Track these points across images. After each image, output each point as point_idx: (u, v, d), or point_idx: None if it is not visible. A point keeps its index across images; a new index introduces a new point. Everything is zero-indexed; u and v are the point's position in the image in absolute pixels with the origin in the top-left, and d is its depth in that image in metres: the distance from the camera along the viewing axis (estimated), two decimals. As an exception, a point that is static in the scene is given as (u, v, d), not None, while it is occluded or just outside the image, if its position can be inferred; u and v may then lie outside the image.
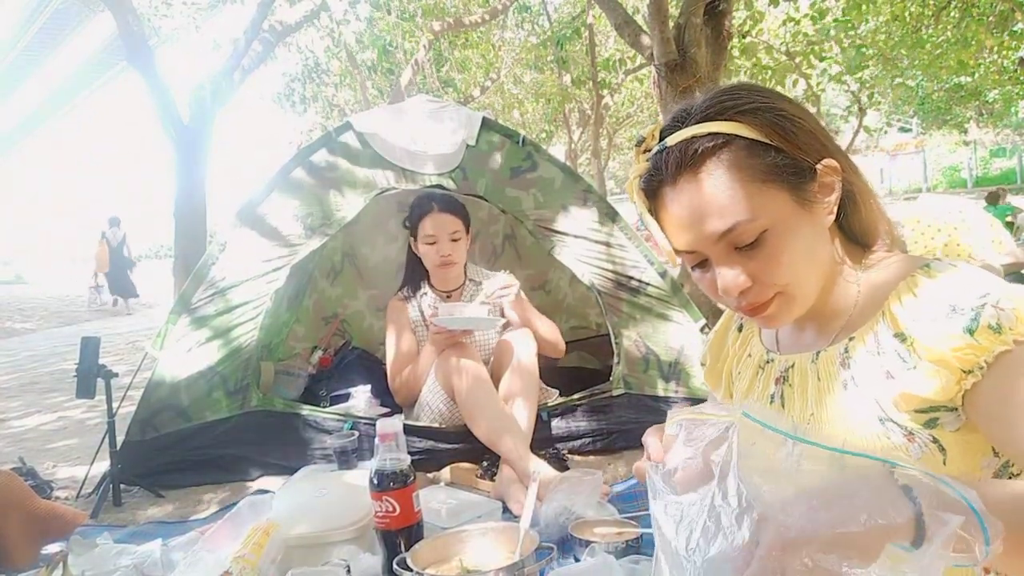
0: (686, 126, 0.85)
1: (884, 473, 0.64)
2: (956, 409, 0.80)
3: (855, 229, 0.91)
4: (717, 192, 0.82)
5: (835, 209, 0.86)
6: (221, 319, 2.58)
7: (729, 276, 0.84)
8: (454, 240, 2.57)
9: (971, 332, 0.76)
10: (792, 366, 0.94)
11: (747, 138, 0.82)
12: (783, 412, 0.94)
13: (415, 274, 2.70)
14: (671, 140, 0.84)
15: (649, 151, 0.87)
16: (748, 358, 1.04)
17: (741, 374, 1.05)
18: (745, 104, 0.84)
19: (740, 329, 1.09)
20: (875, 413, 0.83)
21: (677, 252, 0.87)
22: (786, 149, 0.82)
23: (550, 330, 2.62)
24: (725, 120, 0.83)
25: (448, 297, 2.67)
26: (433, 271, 2.64)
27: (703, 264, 0.87)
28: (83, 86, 18.11)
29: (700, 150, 0.82)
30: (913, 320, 0.81)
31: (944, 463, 0.80)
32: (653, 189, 0.86)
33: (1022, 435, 0.75)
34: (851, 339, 0.88)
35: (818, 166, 0.84)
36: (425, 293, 2.67)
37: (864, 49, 7.95)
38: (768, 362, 0.99)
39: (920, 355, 0.80)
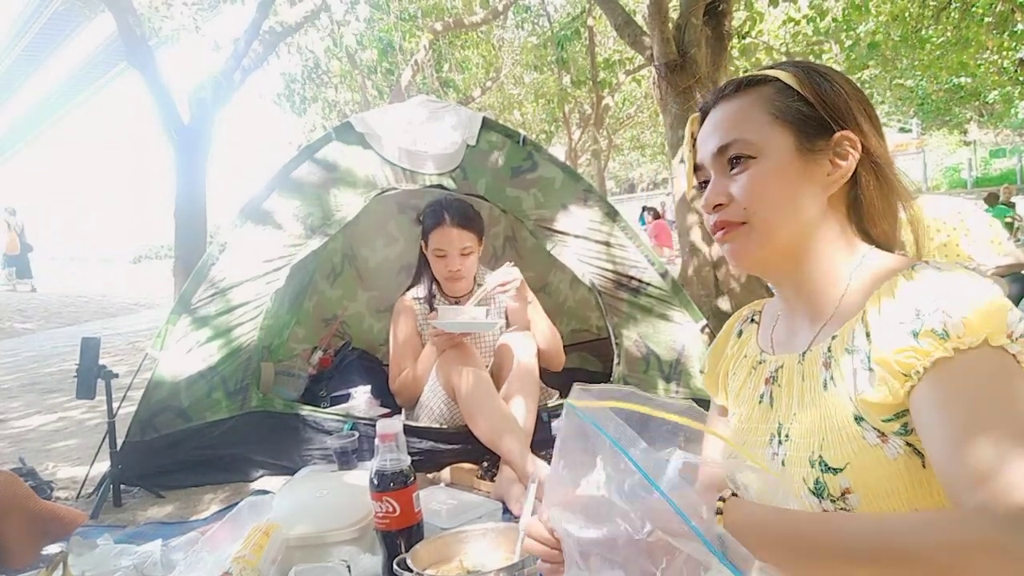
0: None
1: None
2: None
3: (862, 215, 0.93)
4: (735, 113, 0.93)
5: (841, 180, 0.90)
6: (221, 319, 2.58)
7: (714, 189, 0.94)
8: (464, 255, 2.55)
9: (915, 335, 0.76)
10: (782, 366, 0.96)
11: (783, 82, 0.92)
12: (772, 411, 0.96)
13: (426, 278, 2.68)
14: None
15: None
16: (744, 359, 1.06)
17: (736, 374, 1.07)
18: (798, 62, 0.96)
19: (740, 335, 1.11)
20: (851, 412, 0.83)
21: (695, 171, 0.99)
22: (812, 100, 0.90)
23: (550, 338, 2.58)
24: (776, 69, 0.94)
25: (456, 303, 2.65)
26: (443, 281, 2.64)
27: (705, 185, 0.97)
28: (83, 86, 18.11)
29: (743, 83, 0.95)
30: (877, 322, 0.81)
31: (923, 466, 0.79)
32: (705, 113, 0.99)
33: (941, 450, 0.73)
34: (834, 338, 0.88)
35: (837, 131, 0.89)
36: (435, 295, 2.65)
37: (873, 46, 7.90)
38: (761, 363, 1.02)
39: (873, 357, 0.80)
